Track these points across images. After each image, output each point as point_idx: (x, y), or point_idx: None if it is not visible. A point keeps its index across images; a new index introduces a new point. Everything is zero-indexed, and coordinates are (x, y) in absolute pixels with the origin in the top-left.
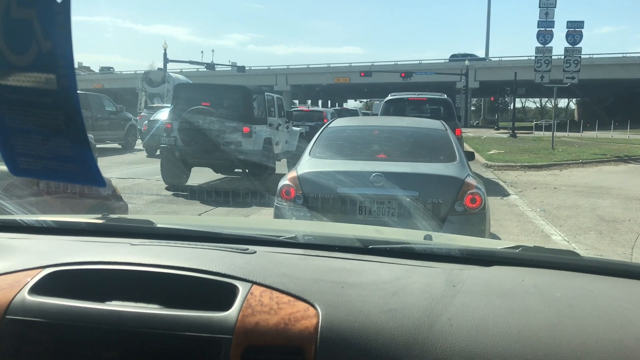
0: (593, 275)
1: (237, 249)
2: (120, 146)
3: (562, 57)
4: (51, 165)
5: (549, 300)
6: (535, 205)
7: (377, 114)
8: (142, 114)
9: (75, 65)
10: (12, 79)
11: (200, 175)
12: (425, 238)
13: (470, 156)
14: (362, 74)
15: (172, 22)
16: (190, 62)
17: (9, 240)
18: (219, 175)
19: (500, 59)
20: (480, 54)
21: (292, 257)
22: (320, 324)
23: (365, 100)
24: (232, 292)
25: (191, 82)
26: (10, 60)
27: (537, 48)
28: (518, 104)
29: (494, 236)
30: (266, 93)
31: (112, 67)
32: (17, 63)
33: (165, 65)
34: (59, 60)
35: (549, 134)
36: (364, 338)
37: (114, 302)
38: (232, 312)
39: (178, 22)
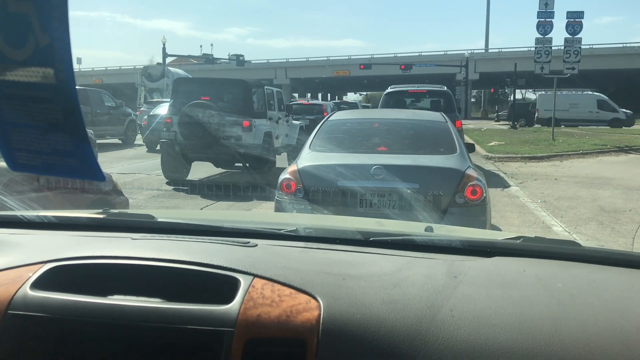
0: (594, 265)
1: (238, 243)
2: (120, 141)
3: (562, 47)
4: (50, 160)
5: (550, 291)
6: (536, 197)
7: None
8: (142, 108)
9: (75, 61)
10: (10, 73)
11: (201, 170)
12: (426, 230)
13: (470, 148)
14: (362, 66)
15: (171, 16)
16: (190, 57)
17: (10, 235)
18: (220, 170)
19: (500, 50)
20: (480, 45)
21: (294, 250)
22: (322, 316)
23: (365, 93)
24: (233, 285)
25: (190, 76)
26: (8, 54)
27: (537, 39)
28: (518, 95)
29: (495, 227)
30: (266, 87)
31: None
32: (14, 57)
33: (164, 60)
34: (56, 54)
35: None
36: (365, 330)
37: (115, 297)
38: (234, 305)
39: (177, 16)
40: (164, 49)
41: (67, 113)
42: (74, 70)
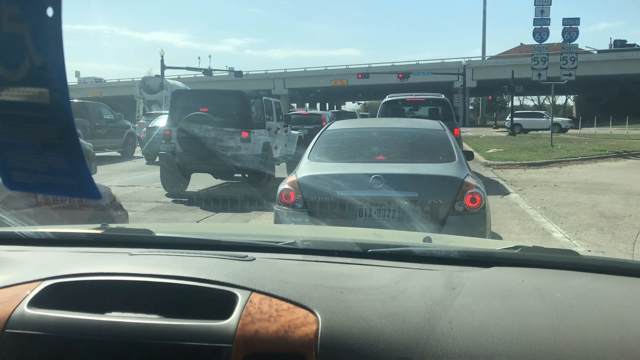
0: (592, 274)
1: (236, 257)
2: (119, 154)
3: (559, 54)
4: (46, 179)
5: (548, 301)
6: (536, 203)
7: None
8: (141, 121)
9: (73, 76)
10: (5, 93)
11: (200, 181)
12: (424, 240)
13: (469, 155)
14: (360, 75)
15: (169, 28)
16: (188, 69)
17: (8, 253)
18: (219, 181)
19: (497, 57)
20: (477, 53)
21: (291, 263)
22: (320, 330)
23: (363, 102)
24: (231, 300)
25: (189, 88)
26: (3, 74)
27: (533, 46)
28: (516, 102)
29: (495, 235)
30: (264, 97)
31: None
32: (9, 77)
33: (162, 72)
34: (51, 74)
35: (547, 131)
36: (364, 343)
37: (113, 313)
38: (232, 321)
39: (175, 28)
40: (162, 61)
41: (62, 132)
42: (73, 83)
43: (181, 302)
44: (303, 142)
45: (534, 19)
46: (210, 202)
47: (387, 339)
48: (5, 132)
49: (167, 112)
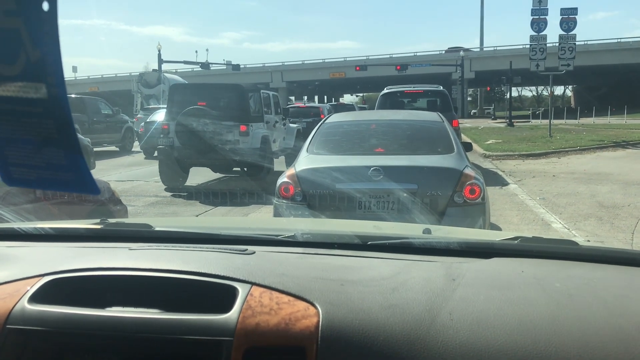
0: (592, 264)
1: (235, 250)
2: (117, 149)
3: (557, 44)
4: (45, 174)
5: (548, 291)
6: (535, 194)
7: None
8: (139, 115)
9: (70, 71)
10: (2, 89)
11: (199, 175)
12: (424, 232)
13: (467, 147)
14: (358, 68)
15: (166, 22)
16: (185, 62)
17: (7, 249)
18: (218, 175)
19: (495, 48)
20: (475, 44)
21: (291, 256)
22: (320, 323)
23: (361, 94)
24: (231, 293)
25: (186, 82)
26: (0, 70)
27: (531, 36)
28: (514, 93)
29: (494, 226)
30: (262, 91)
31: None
32: (6, 73)
33: (160, 66)
34: (48, 68)
35: (546, 121)
36: (365, 335)
37: (114, 308)
38: (232, 314)
39: (172, 22)
40: (159, 55)
41: (60, 127)
42: (70, 78)
43: (181, 297)
44: (301, 135)
45: (532, 9)
46: (209, 196)
47: (387, 331)
48: (3, 128)
49: (165, 106)
